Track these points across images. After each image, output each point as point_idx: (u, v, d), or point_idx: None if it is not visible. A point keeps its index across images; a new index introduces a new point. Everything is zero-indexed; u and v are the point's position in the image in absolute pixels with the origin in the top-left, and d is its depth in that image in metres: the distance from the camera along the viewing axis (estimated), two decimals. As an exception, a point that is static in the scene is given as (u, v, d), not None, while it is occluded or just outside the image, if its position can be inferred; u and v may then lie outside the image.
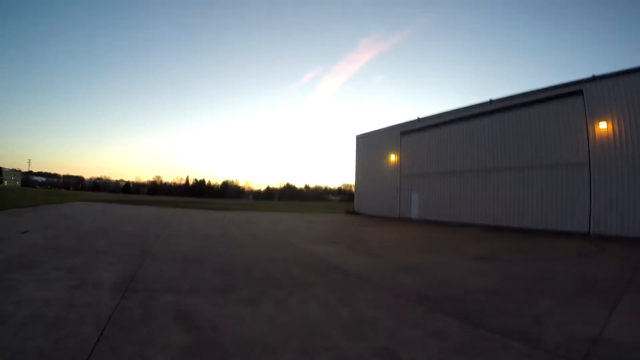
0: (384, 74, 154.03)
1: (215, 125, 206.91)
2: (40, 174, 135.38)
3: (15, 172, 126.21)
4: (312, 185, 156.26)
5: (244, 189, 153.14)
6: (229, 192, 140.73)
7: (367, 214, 32.68)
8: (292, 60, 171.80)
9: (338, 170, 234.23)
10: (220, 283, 6.43)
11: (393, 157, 30.54)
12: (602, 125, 17.21)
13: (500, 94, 26.96)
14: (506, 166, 21.60)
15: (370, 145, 34.49)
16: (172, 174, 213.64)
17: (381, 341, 3.98)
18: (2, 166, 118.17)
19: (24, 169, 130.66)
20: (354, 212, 35.09)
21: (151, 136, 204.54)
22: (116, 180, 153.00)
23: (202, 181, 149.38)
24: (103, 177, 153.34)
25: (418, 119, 28.72)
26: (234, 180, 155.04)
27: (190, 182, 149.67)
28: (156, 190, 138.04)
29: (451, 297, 6.11)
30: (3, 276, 5.81)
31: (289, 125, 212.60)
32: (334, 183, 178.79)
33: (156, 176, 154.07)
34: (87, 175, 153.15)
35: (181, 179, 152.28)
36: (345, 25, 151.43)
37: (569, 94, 18.87)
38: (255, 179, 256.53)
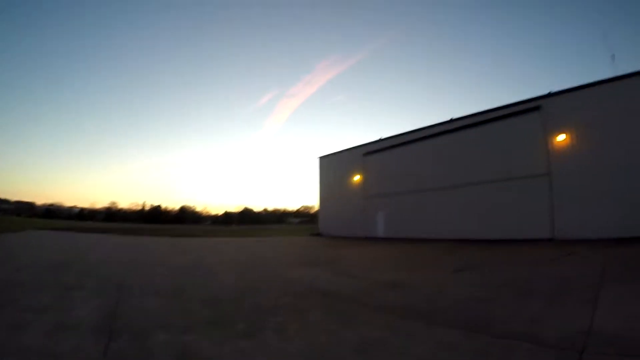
0: (341, 95, 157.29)
1: (170, 148, 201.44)
2: None
3: None
4: (270, 208, 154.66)
5: (201, 213, 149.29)
6: (186, 218, 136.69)
7: (332, 235, 32.73)
8: (247, 83, 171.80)
9: (296, 193, 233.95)
10: (212, 316, 6.15)
11: (357, 177, 31.20)
12: (561, 138, 18.78)
13: (460, 112, 28.41)
14: (469, 182, 22.78)
15: (333, 167, 35.06)
16: (127, 200, 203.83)
17: (397, 359, 4.08)
18: None
19: None
20: (318, 234, 35.10)
21: (106, 161, 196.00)
22: (69, 207, 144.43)
23: (159, 207, 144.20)
24: (55, 204, 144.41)
25: (380, 139, 29.70)
26: (192, 205, 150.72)
27: (147, 207, 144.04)
28: (112, 217, 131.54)
29: (443, 309, 6.38)
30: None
31: (245, 149, 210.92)
32: (292, 205, 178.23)
33: (111, 202, 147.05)
34: (39, 201, 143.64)
35: (137, 204, 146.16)
36: (302, 48, 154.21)
37: (528, 110, 20.49)
38: (213, 204, 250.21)
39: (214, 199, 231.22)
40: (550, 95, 19.72)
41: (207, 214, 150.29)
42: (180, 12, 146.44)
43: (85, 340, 4.69)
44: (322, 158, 37.07)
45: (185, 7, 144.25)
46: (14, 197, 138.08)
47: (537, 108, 20.01)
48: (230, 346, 4.64)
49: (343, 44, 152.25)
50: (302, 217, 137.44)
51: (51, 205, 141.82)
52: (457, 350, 4.25)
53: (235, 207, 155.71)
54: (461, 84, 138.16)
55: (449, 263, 13.08)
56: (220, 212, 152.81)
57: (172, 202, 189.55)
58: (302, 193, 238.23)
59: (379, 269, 12.27)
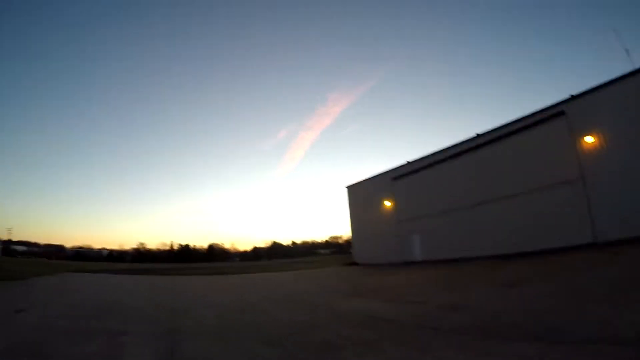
0: (357, 123, 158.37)
1: (195, 188, 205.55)
2: (20, 242, 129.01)
3: None
4: (298, 241, 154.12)
5: (230, 250, 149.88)
6: (215, 256, 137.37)
7: (367, 264, 32.38)
8: (263, 120, 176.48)
9: (323, 223, 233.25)
10: (280, 356, 5.83)
11: (388, 203, 31.28)
12: (589, 139, 18.56)
13: (483, 127, 28.49)
14: (502, 195, 22.55)
15: (362, 194, 35.29)
16: (155, 240, 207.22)
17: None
18: None
19: (4, 237, 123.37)
20: (354, 263, 34.80)
21: (132, 203, 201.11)
22: (99, 249, 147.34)
23: (187, 246, 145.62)
24: (84, 246, 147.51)
25: (408, 162, 29.87)
26: (220, 243, 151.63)
27: (175, 247, 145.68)
28: (141, 258, 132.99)
29: (512, 324, 6.45)
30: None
31: (268, 184, 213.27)
32: (320, 236, 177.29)
33: (139, 243, 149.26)
34: (68, 244, 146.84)
35: (165, 244, 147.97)
36: (313, 81, 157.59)
37: (552, 116, 20.41)
38: (241, 240, 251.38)
39: (242, 236, 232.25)
40: (572, 98, 19.65)
41: (236, 250, 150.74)
42: (193, 61, 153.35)
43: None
44: (350, 187, 37.40)
45: (199, 59, 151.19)
46: (43, 240, 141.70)
47: (561, 113, 19.95)
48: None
49: (353, 74, 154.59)
50: (332, 247, 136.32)
51: (80, 247, 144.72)
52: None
53: (263, 242, 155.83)
54: (479, 99, 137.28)
55: (497, 279, 12.98)
56: (249, 247, 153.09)
57: (200, 241, 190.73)
58: (329, 223, 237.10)
59: (430, 293, 12.24)
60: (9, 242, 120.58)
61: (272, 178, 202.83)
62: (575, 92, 19.63)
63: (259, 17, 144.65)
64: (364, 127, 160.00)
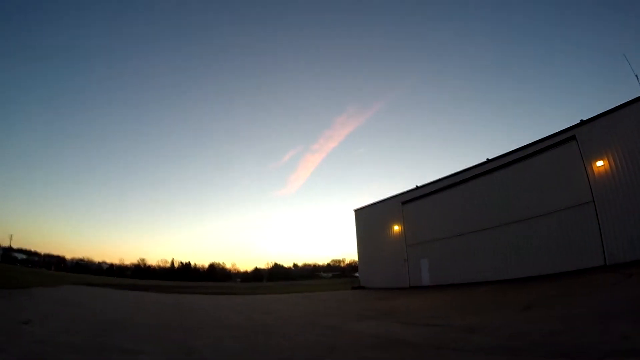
0: (364, 147, 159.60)
1: (198, 206, 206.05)
2: (20, 250, 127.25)
3: None
4: (300, 263, 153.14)
5: (231, 270, 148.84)
6: (216, 275, 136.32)
7: (375, 287, 32.21)
8: (269, 142, 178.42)
9: (326, 247, 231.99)
10: None
11: (396, 227, 31.37)
12: (599, 164, 18.85)
13: (494, 152, 28.94)
14: (512, 220, 22.71)
15: (370, 218, 35.46)
16: (156, 257, 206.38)
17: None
18: None
19: (4, 243, 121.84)
20: (360, 287, 34.63)
21: (134, 217, 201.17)
22: (99, 262, 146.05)
23: (188, 264, 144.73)
24: (85, 258, 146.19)
25: (417, 187, 30.15)
26: (221, 263, 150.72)
27: (176, 264, 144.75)
28: (141, 273, 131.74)
29: (534, 343, 6.50)
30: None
31: (271, 205, 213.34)
32: (323, 259, 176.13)
33: (140, 259, 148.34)
34: (68, 255, 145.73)
35: (166, 261, 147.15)
36: (320, 104, 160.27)
37: (563, 141, 20.79)
38: (242, 260, 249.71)
39: (243, 256, 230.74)
40: (582, 123, 20.02)
41: (237, 271, 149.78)
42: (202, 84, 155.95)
43: None
44: (358, 210, 37.57)
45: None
46: (43, 249, 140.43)
47: (572, 138, 20.30)
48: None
49: (359, 97, 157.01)
50: (334, 271, 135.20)
51: (81, 259, 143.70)
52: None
53: (265, 263, 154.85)
54: (489, 124, 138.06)
55: (512, 302, 13.01)
56: (250, 268, 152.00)
57: (200, 259, 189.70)
58: (332, 246, 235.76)
59: (445, 316, 12.17)
60: (10, 250, 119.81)
61: (276, 199, 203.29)
62: (585, 116, 20.10)
63: (268, 41, 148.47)
64: (372, 150, 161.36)
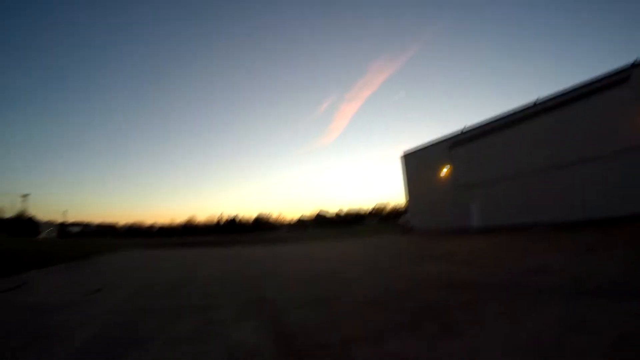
0: (402, 92, 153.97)
1: (241, 160, 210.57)
2: (74, 224, 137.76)
3: (50, 224, 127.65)
4: (344, 210, 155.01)
5: (276, 221, 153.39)
6: (262, 227, 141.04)
7: (424, 231, 32.77)
8: (305, 93, 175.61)
9: (369, 193, 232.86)
10: (388, 322, 5.57)
11: (445, 170, 31.11)
12: None
13: (543, 91, 27.54)
14: (565, 162, 22.00)
15: (418, 162, 35.30)
16: (204, 214, 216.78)
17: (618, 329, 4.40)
18: (39, 219, 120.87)
19: (59, 219, 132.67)
20: (409, 230, 35.37)
21: (181, 178, 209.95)
22: (149, 225, 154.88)
23: (235, 218, 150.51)
24: (136, 223, 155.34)
25: (465, 129, 29.45)
26: (266, 214, 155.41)
27: (223, 220, 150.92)
28: (190, 231, 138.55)
29: (608, 283, 6.66)
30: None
31: (312, 155, 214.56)
32: (365, 206, 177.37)
33: (189, 217, 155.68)
34: (120, 221, 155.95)
35: (213, 217, 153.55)
36: (353, 51, 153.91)
37: (617, 82, 19.57)
38: (286, 211, 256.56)
39: (287, 207, 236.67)
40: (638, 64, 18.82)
41: (282, 221, 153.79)
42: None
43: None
44: (405, 155, 37.40)
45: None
46: (96, 220, 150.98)
47: (626, 78, 19.17)
48: (445, 348, 4.25)
49: (393, 41, 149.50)
50: (378, 216, 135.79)
51: (132, 225, 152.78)
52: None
53: (309, 212, 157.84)
54: (539, 63, 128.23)
55: (571, 245, 12.90)
56: (294, 218, 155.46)
57: (246, 213, 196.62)
58: (375, 193, 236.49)
59: (504, 257, 12.25)
60: (64, 225, 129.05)
61: (317, 149, 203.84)
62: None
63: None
64: (409, 96, 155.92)
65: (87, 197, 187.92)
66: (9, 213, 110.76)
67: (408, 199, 37.04)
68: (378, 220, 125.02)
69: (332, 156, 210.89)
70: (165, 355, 4.74)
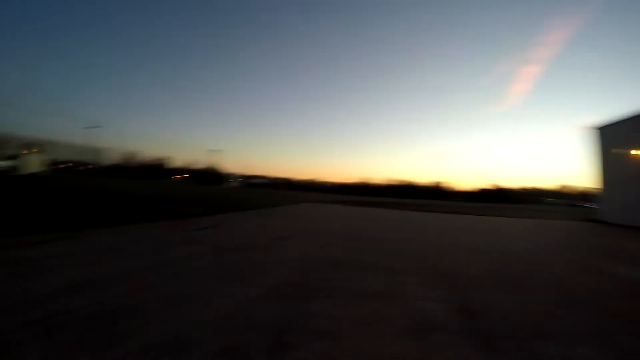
0: (594, 52, 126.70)
1: (416, 126, 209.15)
2: (255, 177, 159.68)
3: (238, 176, 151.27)
4: (523, 186, 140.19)
5: (455, 190, 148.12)
6: (440, 193, 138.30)
7: (617, 223, 26.53)
8: (477, 52, 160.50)
9: (553, 169, 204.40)
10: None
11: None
12: None
13: None
14: None
15: (616, 138, 28.19)
16: (379, 176, 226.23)
17: None
18: (224, 171, 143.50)
19: (246, 172, 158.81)
20: (596, 220, 29.54)
21: (357, 140, 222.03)
22: (322, 182, 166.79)
23: (409, 183, 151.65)
24: (310, 179, 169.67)
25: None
26: (444, 181, 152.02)
27: (399, 182, 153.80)
28: (363, 191, 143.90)
29: None
30: (302, 310, 4.80)
31: (488, 124, 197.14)
32: (548, 184, 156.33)
33: (363, 178, 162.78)
34: (296, 177, 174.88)
35: (389, 180, 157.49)
36: (527, 9, 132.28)
37: None
38: (462, 180, 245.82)
39: (464, 176, 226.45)
40: None
41: (461, 190, 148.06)
42: None
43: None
44: (600, 129, 30.35)
45: None
46: (273, 174, 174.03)
47: None
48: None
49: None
50: (559, 197, 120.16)
51: (306, 181, 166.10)
52: None
53: (487, 184, 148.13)
54: None
55: None
56: (470, 188, 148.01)
57: (421, 178, 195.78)
58: (559, 170, 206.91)
59: None
60: (248, 177, 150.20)
61: (492, 116, 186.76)
62: None
63: None
64: (600, 58, 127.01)
65: (268, 154, 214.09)
66: (200, 165, 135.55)
67: (602, 181, 30.24)
68: (560, 202, 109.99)
69: (511, 124, 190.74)
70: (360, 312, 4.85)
